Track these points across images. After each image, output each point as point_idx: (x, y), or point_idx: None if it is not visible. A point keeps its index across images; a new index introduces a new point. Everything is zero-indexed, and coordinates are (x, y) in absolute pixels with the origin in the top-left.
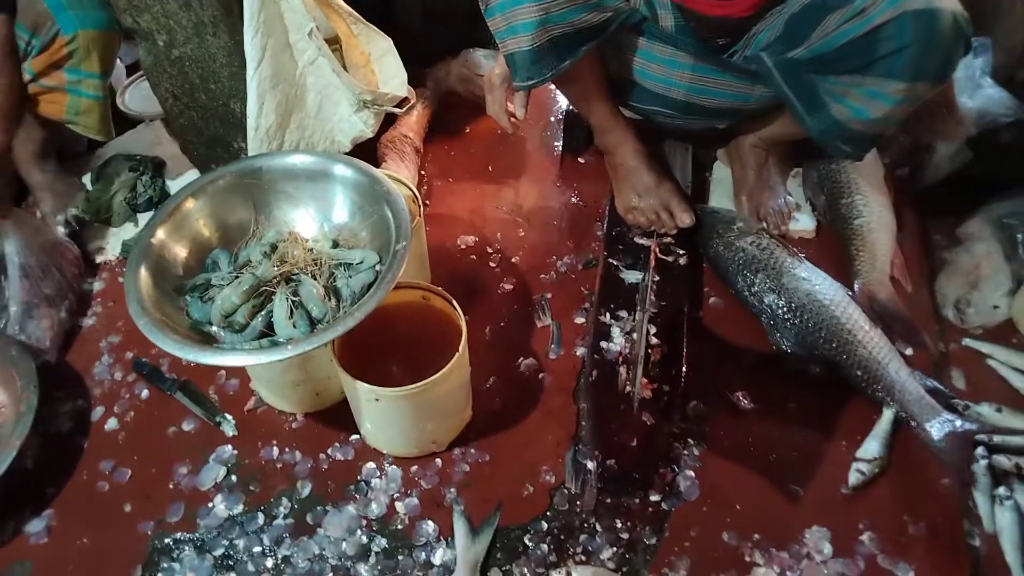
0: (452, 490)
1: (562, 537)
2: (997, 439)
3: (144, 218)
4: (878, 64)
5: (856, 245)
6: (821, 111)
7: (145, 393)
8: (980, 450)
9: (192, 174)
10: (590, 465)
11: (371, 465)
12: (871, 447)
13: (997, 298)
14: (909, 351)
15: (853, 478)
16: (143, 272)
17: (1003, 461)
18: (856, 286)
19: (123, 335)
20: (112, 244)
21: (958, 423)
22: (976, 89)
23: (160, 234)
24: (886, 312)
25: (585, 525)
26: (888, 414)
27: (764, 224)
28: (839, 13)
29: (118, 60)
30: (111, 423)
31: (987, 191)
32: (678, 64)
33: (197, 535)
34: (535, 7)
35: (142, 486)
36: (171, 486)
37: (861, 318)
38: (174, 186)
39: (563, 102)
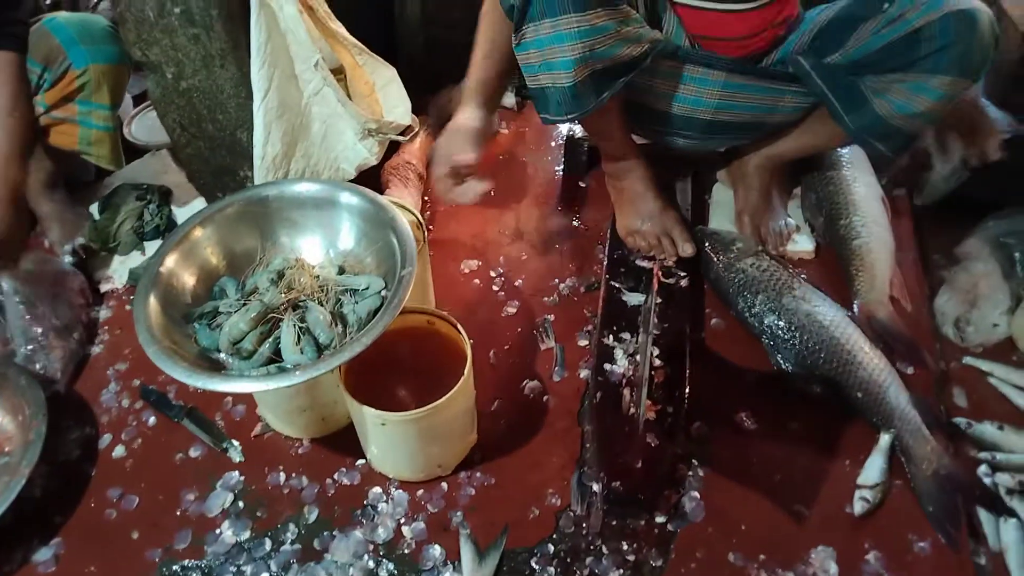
0: (458, 514)
1: (568, 560)
2: (1000, 457)
3: (151, 246)
4: (921, 62)
5: (855, 265)
6: (861, 107)
7: (152, 420)
8: (983, 468)
9: (198, 202)
10: (595, 487)
11: (377, 490)
12: (872, 473)
13: (996, 316)
14: (910, 370)
15: (858, 507)
16: (152, 300)
17: (1006, 479)
18: (855, 306)
19: (130, 362)
20: (119, 272)
21: (945, 471)
22: None
23: (169, 262)
24: (886, 331)
25: (591, 547)
26: (886, 438)
27: (764, 245)
28: (873, 22)
29: None
30: (118, 450)
31: (984, 210)
32: (709, 81)
33: (204, 562)
34: (579, 44)
35: (149, 513)
36: (178, 513)
37: (861, 339)
38: (181, 214)
39: (563, 126)
